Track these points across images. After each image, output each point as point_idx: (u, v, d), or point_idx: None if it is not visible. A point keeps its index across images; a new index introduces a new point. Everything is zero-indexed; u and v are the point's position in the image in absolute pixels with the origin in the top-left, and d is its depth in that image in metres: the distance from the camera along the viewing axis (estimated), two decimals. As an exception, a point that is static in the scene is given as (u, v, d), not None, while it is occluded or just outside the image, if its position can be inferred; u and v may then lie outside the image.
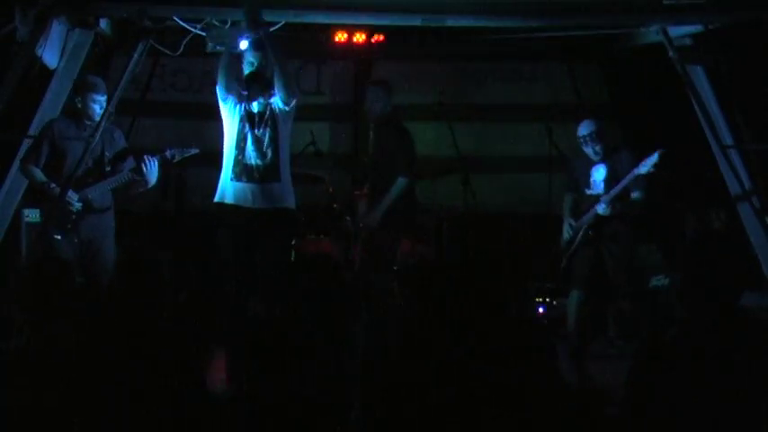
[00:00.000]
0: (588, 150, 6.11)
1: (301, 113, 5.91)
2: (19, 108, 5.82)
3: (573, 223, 6.18)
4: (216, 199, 5.64)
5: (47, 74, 5.94)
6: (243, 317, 5.33)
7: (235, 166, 5.52)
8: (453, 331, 3.27)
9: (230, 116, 5.58)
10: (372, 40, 7.42)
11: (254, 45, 5.58)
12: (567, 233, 6.22)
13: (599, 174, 6.15)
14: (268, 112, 5.55)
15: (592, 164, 6.15)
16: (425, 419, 3.10)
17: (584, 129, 6.13)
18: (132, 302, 3.44)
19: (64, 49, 5.91)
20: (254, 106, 5.55)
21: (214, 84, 5.70)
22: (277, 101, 5.57)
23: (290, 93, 5.51)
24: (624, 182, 5.94)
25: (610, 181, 6.08)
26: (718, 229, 6.63)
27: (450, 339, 3.25)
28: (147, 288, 3.47)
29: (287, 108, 5.58)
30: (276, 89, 5.52)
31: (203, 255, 6.34)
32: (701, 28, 6.03)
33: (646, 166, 5.84)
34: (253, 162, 5.52)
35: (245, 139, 5.51)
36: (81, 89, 5.67)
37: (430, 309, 3.42)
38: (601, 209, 6.02)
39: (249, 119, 5.53)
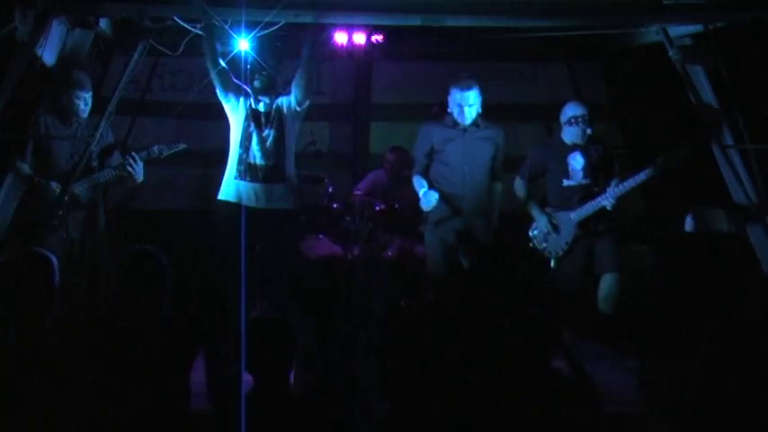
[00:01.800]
0: (575, 132, 6.04)
1: (301, 113, 5.91)
2: (19, 108, 5.83)
3: (554, 219, 6.07)
4: (220, 197, 5.66)
5: (47, 74, 5.93)
6: (244, 315, 5.31)
7: (239, 164, 5.56)
8: (453, 329, 3.27)
9: (235, 114, 5.60)
10: (372, 40, 7.41)
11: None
12: (547, 228, 6.06)
13: (577, 162, 6.09)
14: (274, 113, 5.59)
15: (567, 151, 6.08)
16: (423, 417, 3.10)
17: (577, 109, 6.10)
18: (131, 300, 3.45)
19: (64, 48, 5.90)
20: (261, 106, 5.58)
21: (212, 85, 5.72)
22: (290, 100, 5.60)
23: (307, 94, 5.60)
24: (643, 176, 5.86)
25: (589, 170, 6.06)
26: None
27: (450, 338, 3.26)
28: (147, 286, 3.47)
29: (299, 108, 5.63)
30: (295, 87, 5.59)
31: (204, 253, 6.33)
32: (700, 28, 6.02)
33: (676, 160, 5.79)
34: (257, 162, 5.56)
35: (249, 139, 5.55)
36: (65, 86, 5.70)
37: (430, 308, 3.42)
38: (609, 202, 5.93)
39: (255, 118, 5.56)
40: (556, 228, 6.05)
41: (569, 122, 6.08)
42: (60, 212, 5.60)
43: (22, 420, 3.19)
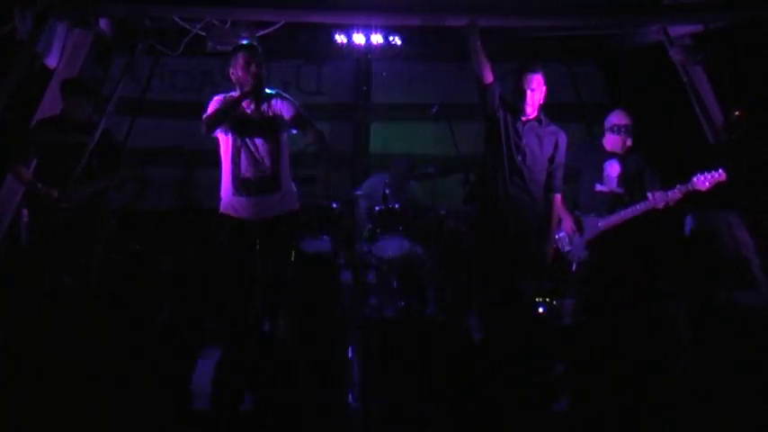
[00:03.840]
0: (615, 140, 6.02)
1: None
2: (19, 108, 5.83)
3: (580, 222, 6.01)
4: (221, 210, 5.47)
5: (47, 74, 5.94)
6: (244, 322, 5.25)
7: (233, 180, 5.32)
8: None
9: (224, 134, 5.42)
10: (372, 41, 7.42)
11: (249, 46, 5.43)
12: (573, 230, 5.99)
13: (613, 169, 6.07)
14: (269, 119, 5.34)
15: (605, 157, 6.04)
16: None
17: (621, 118, 6.06)
18: (130, 301, 3.45)
19: (64, 48, 5.91)
20: (252, 115, 5.33)
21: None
22: (289, 121, 5.39)
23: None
24: (677, 193, 5.80)
25: (624, 179, 6.02)
26: None
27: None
28: (146, 287, 3.47)
29: (294, 132, 5.49)
30: (296, 127, 5.36)
31: (206, 260, 6.31)
32: (700, 28, 6.03)
33: (708, 182, 5.73)
34: (249, 175, 5.31)
35: (239, 153, 5.30)
36: (64, 91, 5.70)
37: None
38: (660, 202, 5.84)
39: (244, 128, 5.30)
40: (581, 230, 6.02)
41: (611, 129, 6.05)
42: (60, 215, 5.60)
43: (22, 421, 3.19)
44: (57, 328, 3.37)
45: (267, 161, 5.31)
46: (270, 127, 5.34)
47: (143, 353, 3.37)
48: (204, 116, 5.28)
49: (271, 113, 5.36)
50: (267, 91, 5.39)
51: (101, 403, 3.25)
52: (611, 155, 6.07)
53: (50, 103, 5.98)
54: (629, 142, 6.06)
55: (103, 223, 5.97)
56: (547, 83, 5.63)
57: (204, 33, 5.90)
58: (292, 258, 6.34)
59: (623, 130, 6.04)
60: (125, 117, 7.11)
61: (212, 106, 5.33)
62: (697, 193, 5.78)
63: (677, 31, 6.17)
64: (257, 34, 5.85)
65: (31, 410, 3.17)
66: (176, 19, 5.85)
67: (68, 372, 3.25)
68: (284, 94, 5.45)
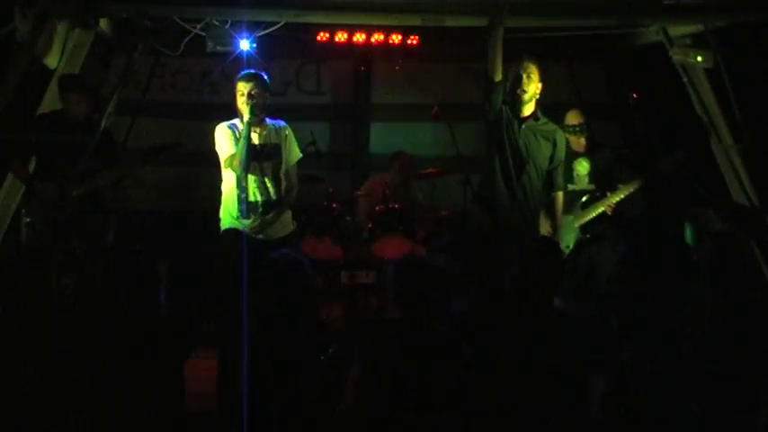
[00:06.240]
0: (572, 140, 6.09)
1: (301, 113, 5.90)
2: (19, 108, 5.83)
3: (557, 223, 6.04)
4: (223, 227, 5.44)
5: (47, 74, 5.94)
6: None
7: (239, 204, 5.31)
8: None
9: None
10: (372, 40, 7.42)
11: (247, 76, 5.30)
12: (548, 231, 5.85)
13: (582, 167, 6.15)
14: (271, 142, 5.37)
15: (572, 157, 6.09)
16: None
17: (574, 117, 6.17)
18: (126, 300, 3.46)
19: (64, 48, 5.91)
20: (255, 138, 5.33)
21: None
22: (283, 152, 5.41)
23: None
24: (636, 185, 5.90)
25: (595, 176, 6.11)
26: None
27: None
28: (141, 287, 3.48)
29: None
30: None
31: (204, 258, 6.30)
32: (701, 28, 6.03)
33: (670, 165, 5.85)
34: (257, 199, 5.32)
35: (245, 178, 5.31)
36: (61, 88, 5.71)
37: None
38: (607, 208, 5.97)
39: (250, 154, 5.27)
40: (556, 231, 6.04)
41: (565, 129, 6.09)
42: (58, 214, 5.60)
43: (22, 420, 3.19)
44: (56, 328, 3.38)
45: (272, 184, 5.33)
46: (277, 153, 5.38)
47: (142, 353, 3.37)
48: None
49: (276, 141, 5.40)
50: (277, 124, 5.43)
51: (99, 403, 3.25)
52: (578, 154, 6.12)
53: (50, 104, 5.98)
54: (582, 140, 6.15)
55: (103, 223, 5.98)
56: (547, 83, 5.62)
57: (204, 33, 5.90)
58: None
59: (576, 129, 6.12)
60: (125, 117, 7.11)
61: (219, 140, 5.38)
62: (662, 180, 5.93)
63: (677, 31, 6.17)
64: (257, 34, 5.85)
65: (30, 409, 3.18)
66: (176, 19, 5.86)
67: (67, 371, 3.26)
68: (292, 137, 5.47)
